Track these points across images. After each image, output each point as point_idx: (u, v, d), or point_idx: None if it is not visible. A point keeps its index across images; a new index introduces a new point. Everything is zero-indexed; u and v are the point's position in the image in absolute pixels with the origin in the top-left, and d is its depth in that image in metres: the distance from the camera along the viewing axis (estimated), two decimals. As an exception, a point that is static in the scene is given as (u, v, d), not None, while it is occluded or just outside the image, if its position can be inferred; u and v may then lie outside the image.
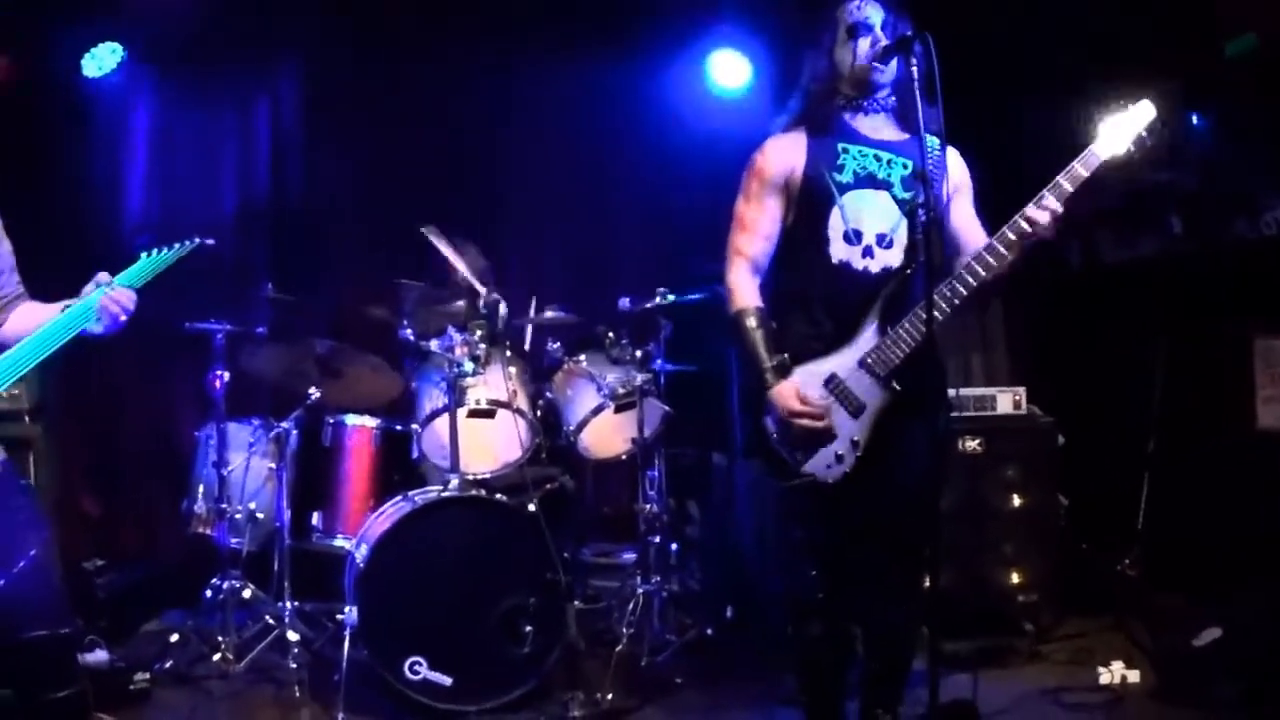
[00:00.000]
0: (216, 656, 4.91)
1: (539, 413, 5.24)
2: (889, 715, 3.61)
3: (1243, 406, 5.35)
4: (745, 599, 5.41)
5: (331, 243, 6.56)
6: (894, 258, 3.46)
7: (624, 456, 5.44)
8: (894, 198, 3.48)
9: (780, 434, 3.37)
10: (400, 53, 6.51)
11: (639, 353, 5.32)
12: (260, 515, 5.25)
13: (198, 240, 3.56)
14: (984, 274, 3.31)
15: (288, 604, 5.05)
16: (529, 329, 5.88)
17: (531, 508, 4.79)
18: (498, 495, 4.74)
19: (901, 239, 3.47)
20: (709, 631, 5.19)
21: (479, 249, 5.73)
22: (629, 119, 6.69)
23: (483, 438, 5.02)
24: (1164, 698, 4.41)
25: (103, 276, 3.32)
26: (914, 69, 3.25)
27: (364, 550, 4.60)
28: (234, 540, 5.20)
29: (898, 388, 3.36)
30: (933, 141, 3.35)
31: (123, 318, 3.30)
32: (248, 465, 5.25)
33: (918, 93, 3.25)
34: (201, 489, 5.35)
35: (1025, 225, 3.26)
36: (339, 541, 5.16)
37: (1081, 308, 6.20)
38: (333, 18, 6.37)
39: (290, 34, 6.47)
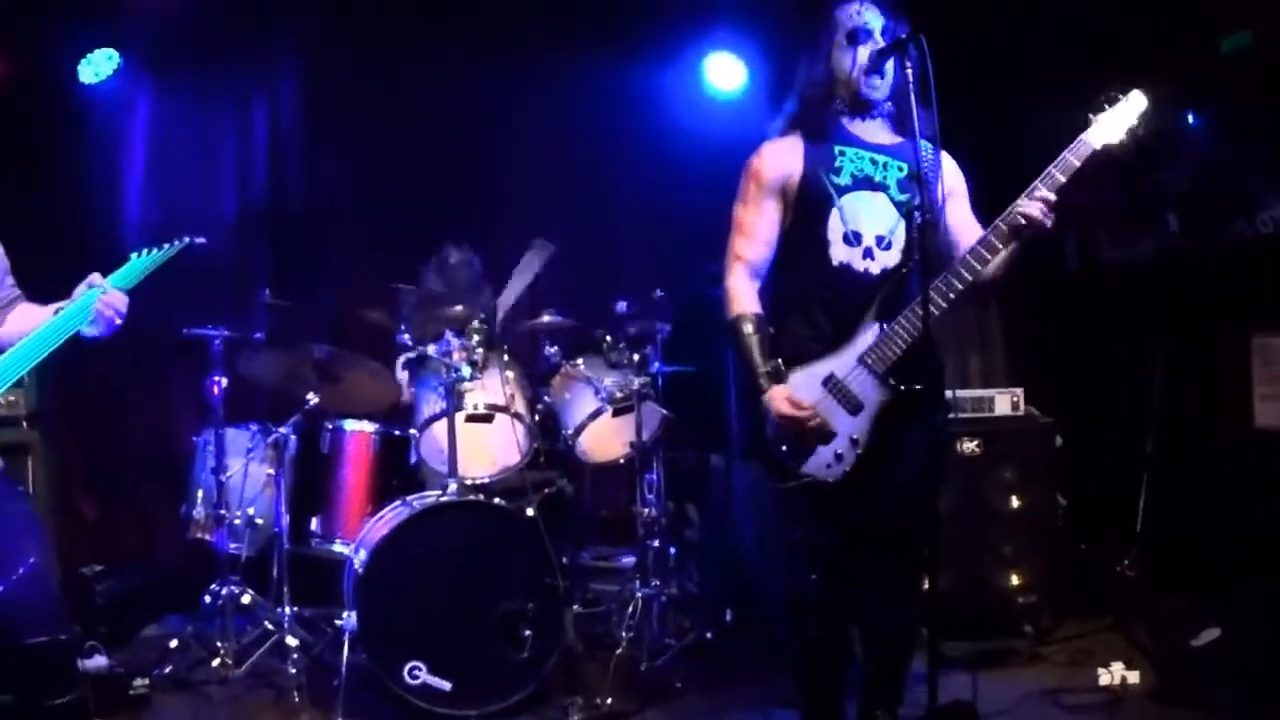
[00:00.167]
0: (216, 662, 4.91)
1: (537, 417, 5.24)
2: (888, 716, 3.61)
3: (1241, 405, 5.35)
4: (744, 602, 5.41)
5: (329, 247, 6.56)
6: (893, 259, 3.47)
7: (622, 460, 5.43)
8: (891, 199, 3.49)
9: (777, 438, 3.37)
10: (397, 56, 6.51)
11: (636, 356, 5.31)
12: (259, 520, 5.25)
13: (188, 239, 3.56)
14: (979, 267, 3.31)
15: (287, 609, 5.04)
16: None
17: (530, 512, 4.80)
18: (496, 500, 4.73)
19: (900, 240, 3.48)
20: (708, 635, 5.17)
21: (482, 259, 5.75)
22: (626, 121, 6.70)
23: (481, 442, 5.02)
24: (1163, 699, 4.40)
25: (95, 278, 3.32)
26: (909, 72, 3.25)
27: (363, 555, 4.59)
28: (233, 545, 5.19)
29: (897, 385, 3.36)
30: (926, 145, 3.35)
31: (117, 321, 3.30)
32: (246, 470, 5.25)
33: (913, 97, 3.25)
34: (200, 494, 5.35)
35: (1019, 217, 3.26)
36: (338, 546, 5.15)
37: (1079, 308, 6.20)
38: (331, 22, 6.38)
39: (288, 38, 6.50)
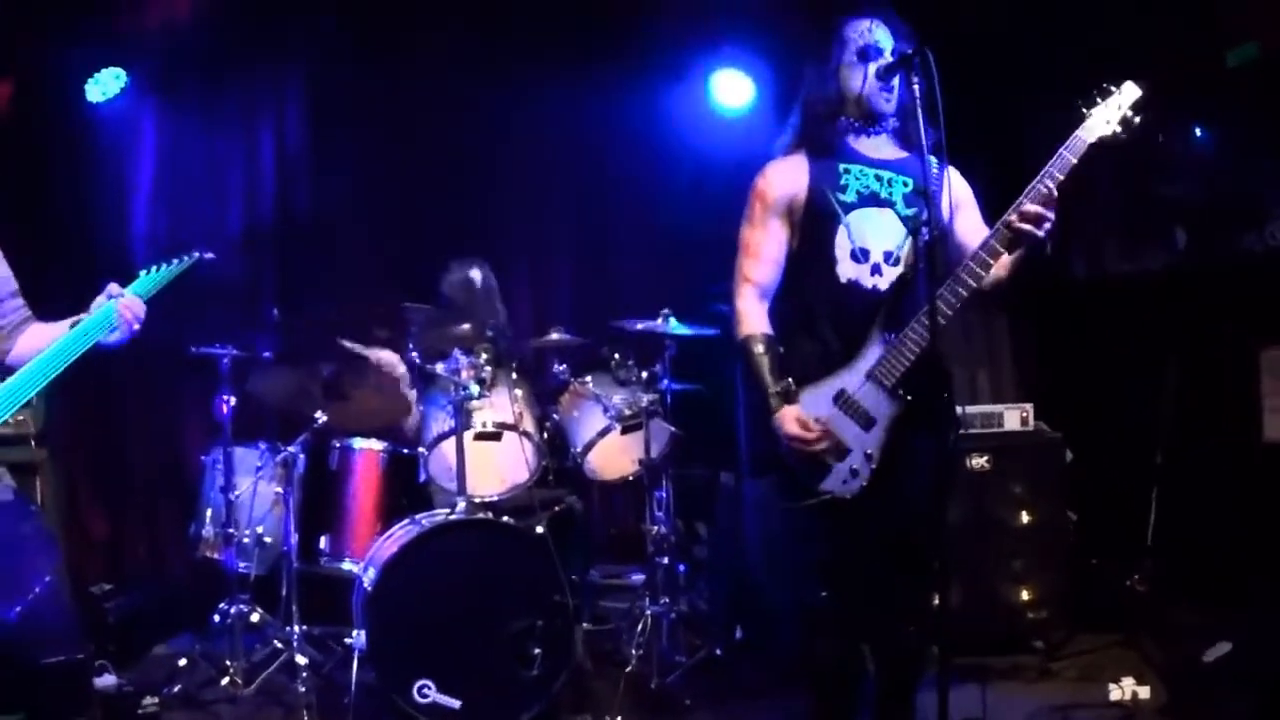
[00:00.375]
0: (225, 680, 4.91)
1: (545, 435, 5.23)
2: (899, 733, 3.60)
3: (1250, 419, 5.34)
4: (754, 619, 5.39)
5: (337, 264, 6.56)
6: (901, 275, 3.47)
7: (631, 477, 5.43)
8: (898, 215, 3.49)
9: (789, 457, 3.37)
10: (402, 72, 6.54)
11: (644, 373, 5.31)
12: (268, 539, 5.25)
13: (197, 254, 3.58)
14: (982, 273, 3.30)
15: (296, 628, 5.04)
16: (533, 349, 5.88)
17: (539, 530, 4.78)
18: (505, 518, 4.73)
19: (907, 256, 3.47)
20: (718, 652, 5.16)
21: (490, 267, 5.75)
22: (633, 138, 6.72)
23: (489, 460, 5.02)
24: (1175, 714, 4.38)
25: (114, 288, 3.37)
26: (915, 86, 3.25)
27: (372, 573, 4.59)
28: (242, 564, 5.19)
29: (906, 397, 3.35)
30: (932, 160, 3.35)
31: (136, 326, 3.34)
32: (255, 489, 5.24)
33: (920, 112, 3.25)
34: (209, 513, 5.35)
35: (1019, 220, 3.25)
36: (347, 565, 5.14)
37: (1088, 322, 6.20)
38: (336, 39, 6.40)
39: (294, 55, 6.51)
